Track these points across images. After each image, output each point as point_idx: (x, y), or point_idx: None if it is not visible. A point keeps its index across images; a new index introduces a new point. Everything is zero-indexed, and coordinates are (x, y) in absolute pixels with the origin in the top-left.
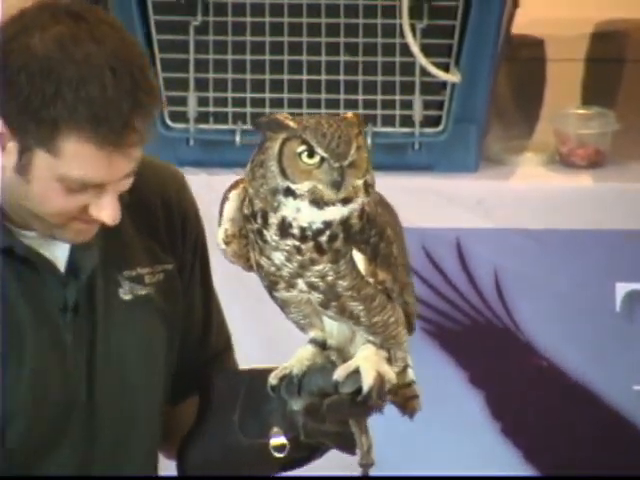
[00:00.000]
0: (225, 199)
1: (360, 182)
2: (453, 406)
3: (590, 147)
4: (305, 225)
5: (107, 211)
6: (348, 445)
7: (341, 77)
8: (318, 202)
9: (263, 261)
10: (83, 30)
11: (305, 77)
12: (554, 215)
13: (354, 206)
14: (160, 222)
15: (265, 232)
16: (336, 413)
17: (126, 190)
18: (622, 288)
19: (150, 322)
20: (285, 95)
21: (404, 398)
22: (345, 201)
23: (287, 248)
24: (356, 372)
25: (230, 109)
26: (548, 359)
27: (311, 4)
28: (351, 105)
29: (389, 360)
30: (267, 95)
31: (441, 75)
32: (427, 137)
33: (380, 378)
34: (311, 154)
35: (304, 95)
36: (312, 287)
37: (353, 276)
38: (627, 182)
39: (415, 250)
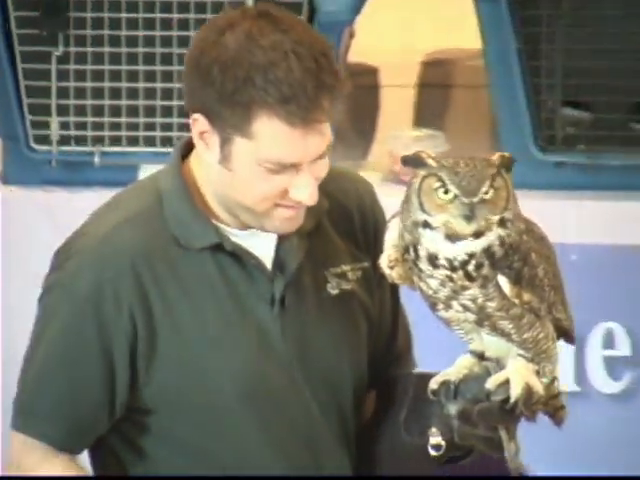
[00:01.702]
0: (386, 227)
1: (496, 217)
2: None
3: None
4: (451, 257)
5: (305, 191)
6: (497, 449)
7: None
8: (451, 235)
9: (422, 285)
10: (268, 23)
11: (159, 103)
12: None
13: (488, 239)
14: (356, 226)
15: (418, 262)
16: (486, 418)
17: (325, 195)
18: None
19: (356, 315)
20: (141, 120)
21: (554, 408)
22: (477, 235)
23: (440, 277)
24: (506, 382)
25: (89, 132)
26: None
27: (164, 36)
28: None
29: (538, 373)
30: (123, 119)
31: None
32: None
33: (528, 389)
34: (446, 191)
35: (157, 119)
36: (465, 308)
37: (500, 298)
38: None
39: None
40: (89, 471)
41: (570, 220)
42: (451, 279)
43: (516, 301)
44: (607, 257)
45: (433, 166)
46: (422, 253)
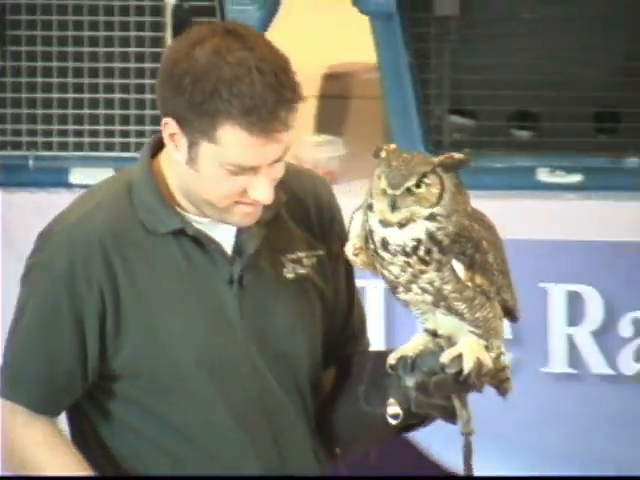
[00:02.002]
0: (351, 219)
1: (424, 211)
2: None
3: (323, 169)
4: (401, 243)
5: (262, 191)
6: (451, 417)
7: (117, 111)
8: (382, 221)
9: (384, 272)
10: (236, 40)
11: (87, 111)
12: None
13: (415, 230)
14: (312, 217)
15: (379, 251)
16: (441, 389)
17: (285, 190)
18: None
19: (310, 296)
20: (70, 127)
21: (499, 380)
22: (401, 224)
23: (400, 264)
24: (459, 357)
25: (24, 138)
26: None
27: (91, 52)
28: (124, 134)
29: (487, 348)
30: (55, 127)
31: None
32: None
33: (479, 362)
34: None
35: (85, 127)
36: (424, 291)
37: (455, 282)
38: (354, 198)
39: None
40: (66, 433)
41: None
42: (409, 264)
43: (469, 284)
44: None
45: (382, 158)
46: (377, 238)
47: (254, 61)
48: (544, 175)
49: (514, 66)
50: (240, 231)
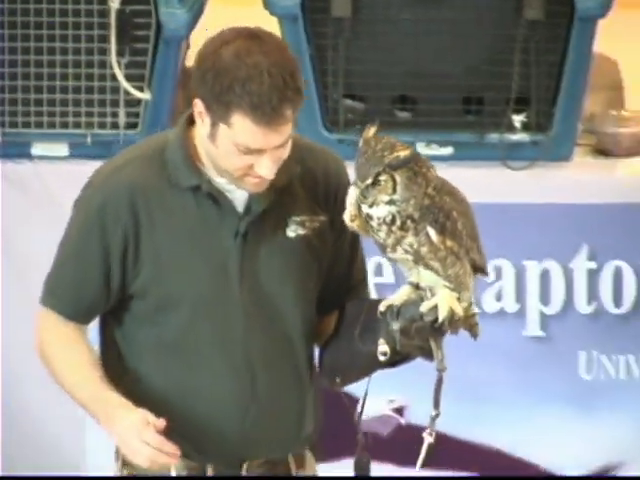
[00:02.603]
0: (348, 190)
1: (385, 198)
2: None
3: None
4: (381, 216)
5: (265, 169)
6: (428, 356)
7: (70, 96)
8: (361, 200)
9: (374, 235)
10: (256, 45)
11: (45, 96)
12: None
13: (381, 210)
14: (320, 188)
15: (367, 220)
16: (420, 334)
17: (299, 162)
18: None
19: (306, 256)
20: (32, 108)
21: (470, 325)
22: (371, 205)
23: (385, 230)
24: (435, 307)
25: None
26: None
27: (49, 46)
28: (76, 115)
29: (458, 299)
30: (20, 108)
31: (138, 94)
32: (130, 137)
33: (451, 312)
34: None
35: (44, 108)
36: (406, 251)
37: (430, 244)
38: None
39: None
40: (91, 340)
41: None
42: (392, 231)
43: (441, 246)
44: None
45: (360, 144)
46: (364, 211)
47: (266, 65)
48: (421, 148)
49: (397, 58)
50: (252, 193)
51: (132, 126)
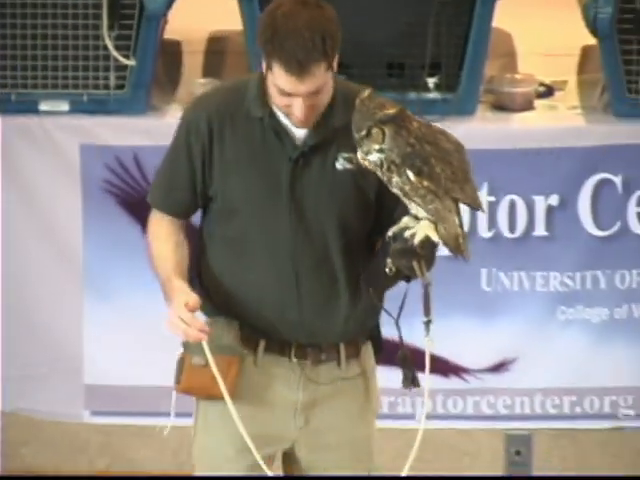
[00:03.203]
0: None
1: (376, 147)
2: None
3: None
4: (374, 161)
5: (297, 111)
6: (414, 274)
7: (70, 63)
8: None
9: (378, 174)
10: (301, 9)
11: (50, 63)
12: None
13: (374, 157)
14: None
15: (365, 164)
16: (405, 255)
17: (340, 111)
18: None
19: (349, 186)
20: (39, 73)
21: (458, 250)
22: (366, 153)
23: (380, 172)
24: (414, 235)
25: (9, 81)
26: None
27: (53, 23)
28: (75, 78)
29: (436, 229)
30: (29, 73)
31: (125, 61)
32: (119, 96)
33: (427, 238)
34: None
35: (49, 72)
36: (396, 188)
37: (410, 183)
38: None
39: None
40: (179, 230)
41: None
42: (382, 173)
43: (419, 186)
44: None
45: (357, 104)
46: (359, 157)
47: (304, 27)
48: None
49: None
50: (310, 128)
51: (120, 87)
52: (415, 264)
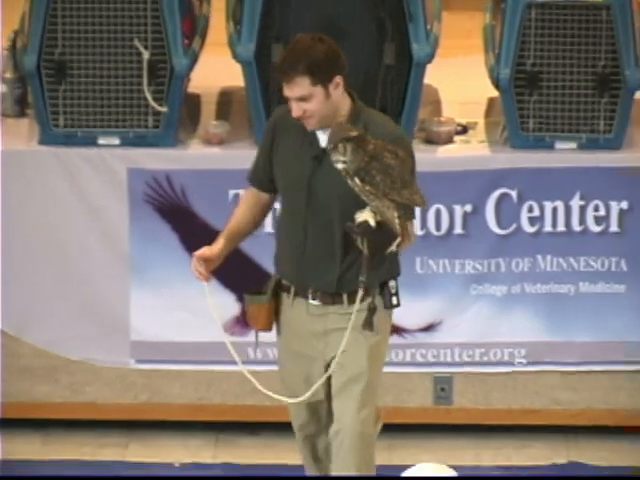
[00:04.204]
0: None
1: (340, 158)
2: None
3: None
4: (338, 168)
5: (293, 112)
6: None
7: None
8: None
9: (344, 178)
10: (310, 39)
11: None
12: None
13: (338, 165)
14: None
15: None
16: (352, 230)
17: (364, 125)
18: None
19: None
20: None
21: (394, 230)
22: (335, 162)
23: (343, 175)
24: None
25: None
26: None
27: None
28: (122, 120)
29: (374, 216)
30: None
31: (159, 108)
32: (155, 133)
33: (365, 222)
34: None
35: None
36: (353, 188)
37: (355, 186)
38: None
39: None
40: (256, 201)
41: None
42: (344, 176)
43: (363, 189)
44: None
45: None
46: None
47: (301, 49)
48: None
49: None
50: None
51: (156, 127)
52: (358, 238)
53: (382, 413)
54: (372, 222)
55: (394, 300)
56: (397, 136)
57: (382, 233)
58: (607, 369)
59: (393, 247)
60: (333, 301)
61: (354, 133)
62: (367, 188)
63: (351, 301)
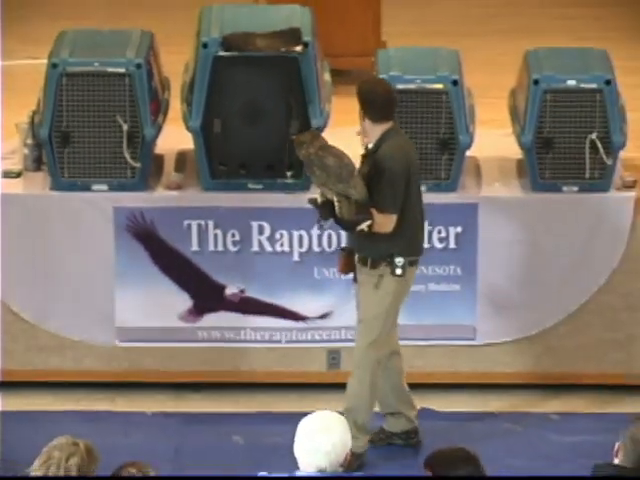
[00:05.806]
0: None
1: (301, 155)
2: None
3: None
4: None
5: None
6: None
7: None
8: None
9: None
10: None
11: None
12: None
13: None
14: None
15: None
16: (316, 207)
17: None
18: None
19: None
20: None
21: (362, 220)
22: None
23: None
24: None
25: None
26: None
27: None
28: (108, 171)
29: (320, 195)
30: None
31: (135, 164)
32: (132, 180)
33: (314, 198)
34: None
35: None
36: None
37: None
38: None
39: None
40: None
41: None
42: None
43: (311, 177)
44: None
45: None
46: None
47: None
48: None
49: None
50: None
51: (132, 177)
52: (319, 212)
53: None
54: (319, 200)
55: (397, 271)
56: (380, 156)
57: (325, 209)
58: (446, 344)
59: (363, 226)
60: (361, 262)
61: (309, 136)
62: (312, 178)
63: (367, 264)
